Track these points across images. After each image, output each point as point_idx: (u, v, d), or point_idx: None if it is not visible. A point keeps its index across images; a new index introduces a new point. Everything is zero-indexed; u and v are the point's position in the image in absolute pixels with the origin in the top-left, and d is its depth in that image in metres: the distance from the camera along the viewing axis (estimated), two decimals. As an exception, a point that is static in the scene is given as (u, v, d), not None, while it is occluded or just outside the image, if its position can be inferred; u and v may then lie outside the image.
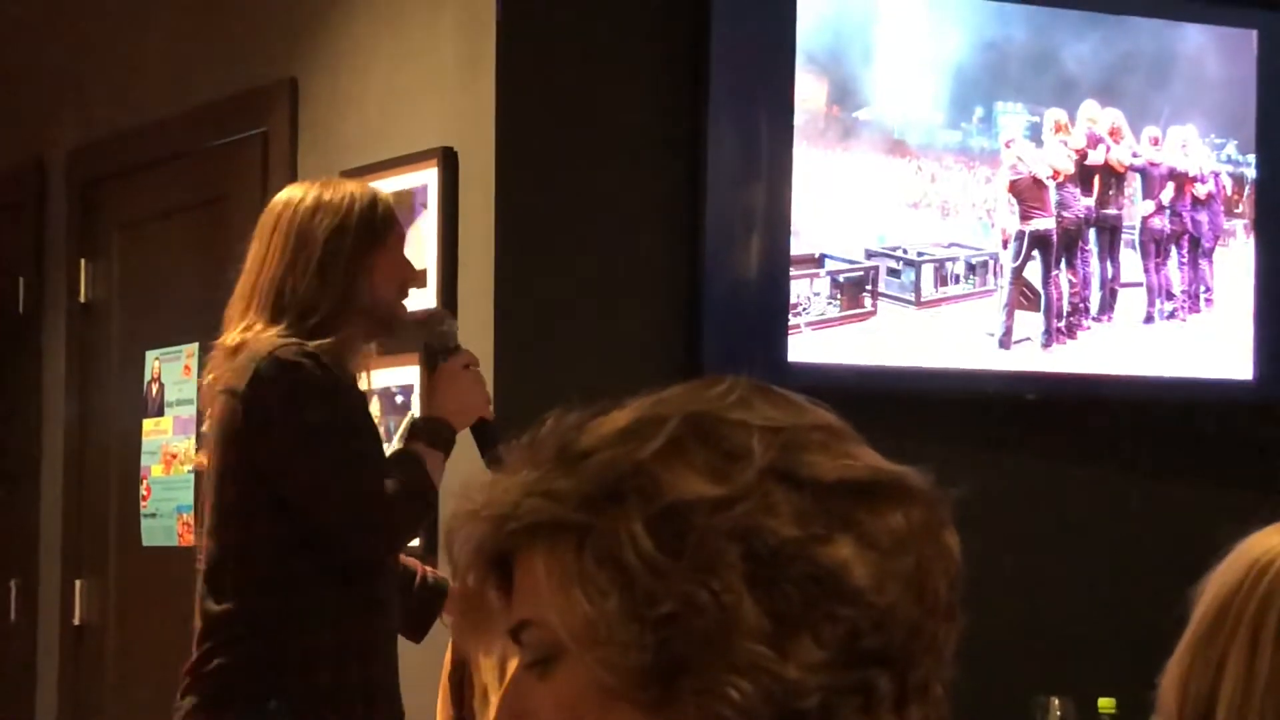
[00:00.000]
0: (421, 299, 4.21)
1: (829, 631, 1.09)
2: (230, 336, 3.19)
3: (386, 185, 4.32)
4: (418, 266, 4.23)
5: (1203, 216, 4.70)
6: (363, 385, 3.35)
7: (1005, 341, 4.49)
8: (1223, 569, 2.05)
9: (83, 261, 5.38)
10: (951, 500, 1.18)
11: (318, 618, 3.12)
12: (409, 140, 4.29)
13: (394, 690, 3.25)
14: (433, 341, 3.44)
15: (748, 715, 1.08)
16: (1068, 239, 4.55)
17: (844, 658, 1.10)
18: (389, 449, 3.44)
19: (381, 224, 3.27)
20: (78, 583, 5.32)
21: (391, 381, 4.26)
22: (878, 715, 1.11)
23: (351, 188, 3.31)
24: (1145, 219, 4.65)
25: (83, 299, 5.36)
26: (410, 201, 4.26)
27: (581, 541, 1.11)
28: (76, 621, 5.32)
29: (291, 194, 3.29)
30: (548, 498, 1.13)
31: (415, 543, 3.67)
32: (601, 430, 1.15)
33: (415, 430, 3.29)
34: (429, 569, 3.47)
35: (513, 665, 1.18)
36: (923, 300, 4.41)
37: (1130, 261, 4.63)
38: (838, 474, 1.13)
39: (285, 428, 3.11)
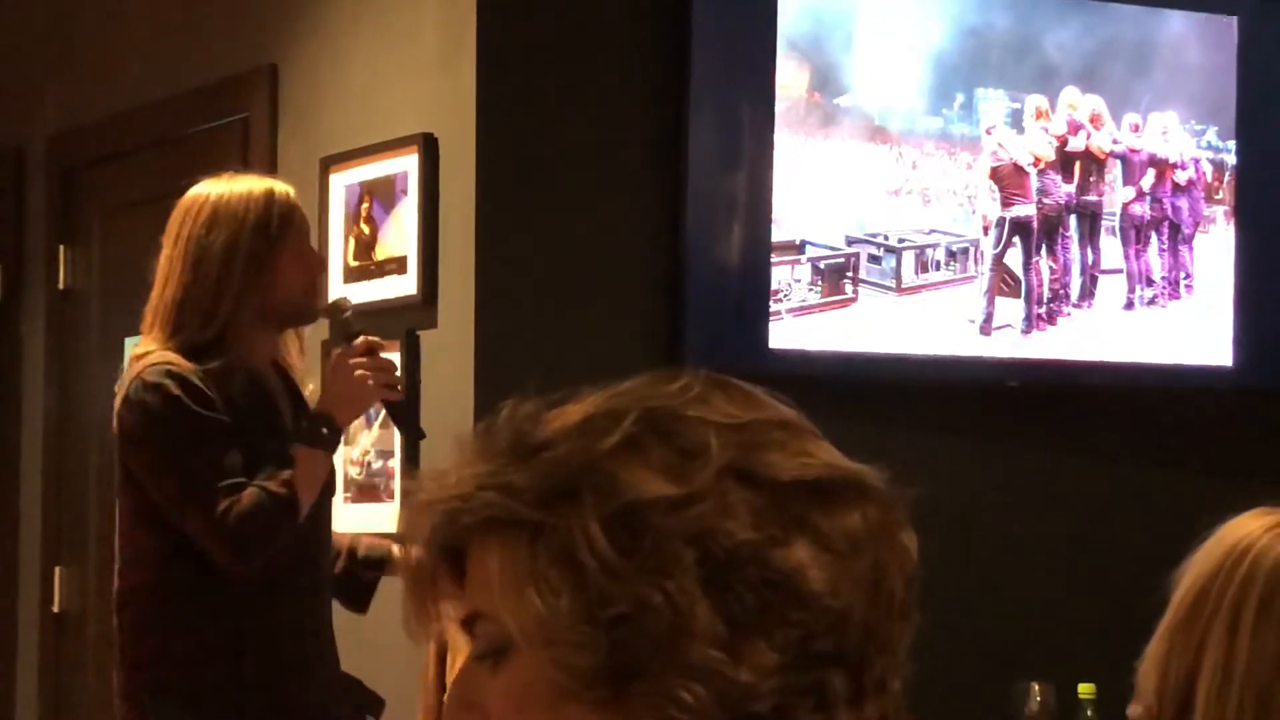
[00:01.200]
0: (402, 285, 4.21)
1: (783, 635, 1.08)
2: (137, 348, 3.33)
3: (367, 171, 4.32)
4: (399, 254, 4.23)
5: (1183, 203, 4.71)
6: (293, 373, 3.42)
7: (986, 328, 4.49)
8: (1201, 554, 2.06)
9: (62, 248, 5.37)
10: (909, 498, 1.16)
11: (199, 619, 3.24)
12: (390, 126, 4.28)
13: (283, 682, 3.28)
14: (334, 331, 3.47)
15: (700, 718, 1.07)
16: (1048, 225, 4.55)
17: (798, 660, 1.09)
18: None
19: (279, 226, 3.32)
20: (57, 570, 5.30)
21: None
22: (833, 714, 1.10)
23: (247, 190, 3.34)
24: (1126, 205, 4.65)
25: (62, 286, 5.35)
26: (391, 187, 4.25)
27: (535, 538, 1.10)
28: (56, 609, 5.31)
29: (192, 202, 3.35)
30: (502, 492, 1.11)
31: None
32: (558, 423, 1.14)
33: (298, 429, 3.31)
34: (365, 538, 3.52)
35: (463, 654, 1.17)
36: (903, 287, 4.42)
37: (1111, 248, 4.63)
38: (795, 473, 1.12)
39: (148, 448, 3.24)
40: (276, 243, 3.29)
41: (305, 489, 3.24)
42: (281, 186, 3.38)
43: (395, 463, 4.21)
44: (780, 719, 1.09)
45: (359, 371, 3.31)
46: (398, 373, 3.43)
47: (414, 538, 1.15)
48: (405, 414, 3.43)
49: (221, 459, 3.20)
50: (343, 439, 3.49)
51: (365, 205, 4.32)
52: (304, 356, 3.48)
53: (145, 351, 3.28)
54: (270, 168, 4.64)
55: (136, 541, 3.29)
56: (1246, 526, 2.06)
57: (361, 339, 3.36)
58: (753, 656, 1.08)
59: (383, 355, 3.40)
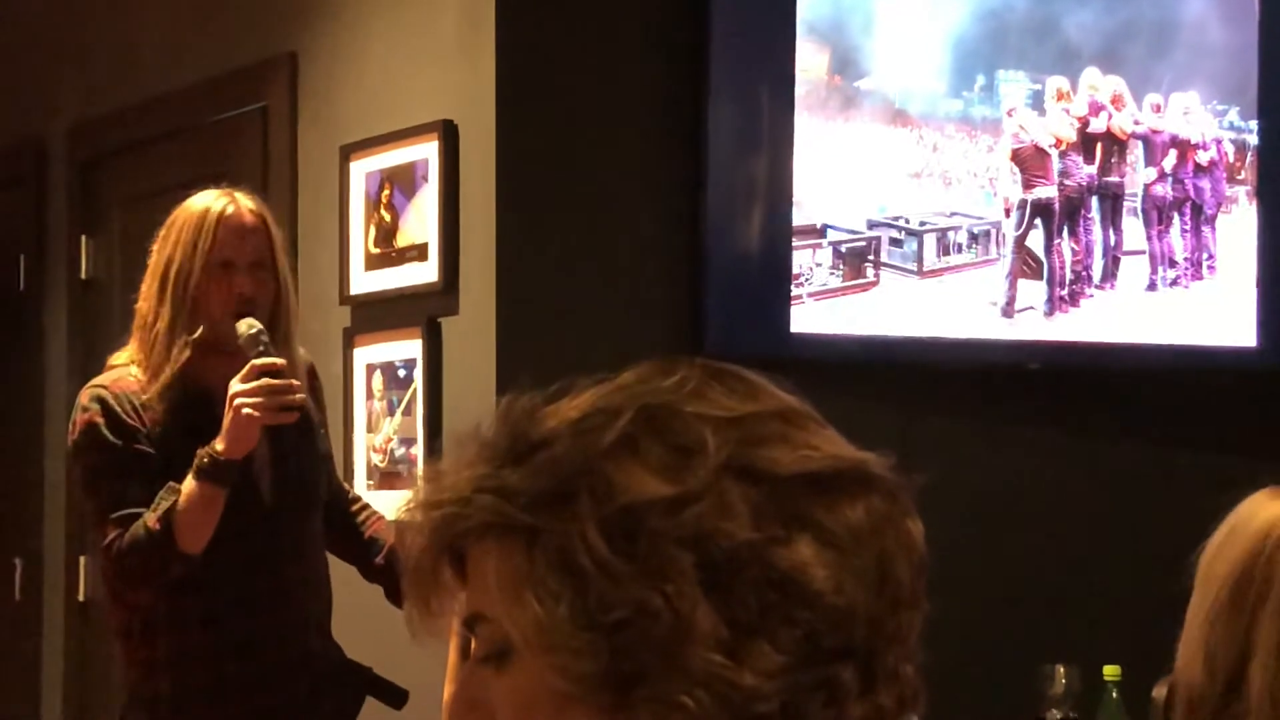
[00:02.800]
0: (423, 273, 4.21)
1: (787, 635, 1.07)
2: (112, 357, 3.44)
3: (387, 159, 4.32)
4: (419, 241, 4.23)
5: (1205, 183, 4.69)
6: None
7: (1008, 311, 4.48)
8: (1226, 538, 2.05)
9: (83, 238, 5.38)
10: (915, 485, 1.15)
11: (151, 633, 3.34)
12: (409, 114, 4.28)
13: (228, 692, 3.34)
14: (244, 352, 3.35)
15: None
16: (1070, 207, 4.54)
17: (804, 658, 1.07)
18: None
19: (201, 247, 3.35)
20: (82, 560, 5.32)
21: (395, 355, 4.26)
22: (844, 706, 1.09)
23: (193, 206, 3.39)
24: (1148, 186, 4.63)
25: (84, 275, 5.36)
26: (411, 175, 4.25)
27: (532, 543, 1.09)
28: (81, 598, 5.33)
29: (169, 216, 3.43)
30: (498, 495, 1.10)
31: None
32: (554, 421, 1.12)
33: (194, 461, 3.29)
34: None
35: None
36: (925, 270, 4.41)
37: (1133, 229, 4.62)
38: (796, 467, 1.10)
39: (75, 470, 3.42)
40: (197, 263, 3.33)
41: (186, 522, 3.22)
42: (220, 205, 3.37)
43: (418, 449, 4.21)
44: (790, 716, 1.07)
45: (238, 401, 3.23)
46: (296, 395, 3.31)
47: (414, 540, 1.14)
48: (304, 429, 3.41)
49: (124, 491, 3.26)
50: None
51: (386, 193, 4.32)
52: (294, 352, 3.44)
53: (114, 364, 3.38)
54: (290, 156, 4.65)
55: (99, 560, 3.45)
56: (1271, 508, 2.06)
57: (251, 363, 3.27)
58: (756, 659, 1.06)
59: (280, 376, 3.29)
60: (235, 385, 3.24)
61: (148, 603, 3.30)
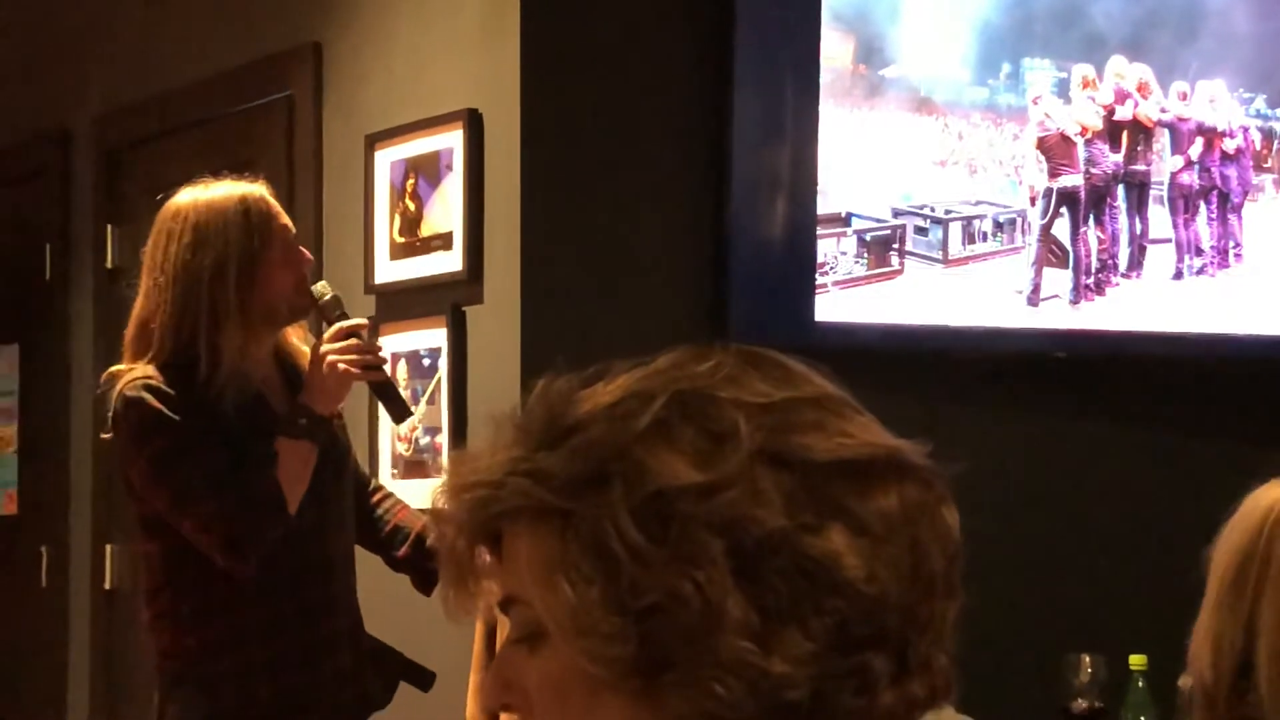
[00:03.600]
0: (447, 262, 4.21)
1: (818, 623, 1.07)
2: (116, 368, 3.40)
3: (412, 148, 4.32)
4: (444, 230, 4.23)
5: (1231, 171, 4.67)
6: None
7: (1034, 299, 4.47)
8: (1232, 527, 2.05)
9: (109, 228, 5.39)
10: (951, 474, 1.14)
11: (204, 615, 3.34)
12: (434, 103, 4.28)
13: (290, 668, 3.35)
14: (320, 317, 3.45)
15: (734, 709, 1.06)
16: (1096, 195, 4.53)
17: (835, 646, 1.07)
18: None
19: (261, 235, 3.33)
20: (108, 548, 5.33)
21: (420, 344, 4.26)
22: (875, 694, 1.09)
23: (224, 203, 3.35)
24: (1174, 174, 4.62)
25: (109, 265, 5.37)
26: (436, 164, 4.25)
27: (565, 527, 1.09)
28: (107, 586, 5.34)
29: (172, 222, 3.35)
30: (532, 478, 1.10)
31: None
32: (589, 404, 1.12)
33: (279, 422, 3.34)
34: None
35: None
36: (950, 258, 4.40)
37: (1159, 217, 4.60)
38: (829, 454, 1.10)
39: (138, 462, 3.31)
40: (261, 252, 3.32)
41: (289, 482, 3.29)
42: (255, 191, 3.38)
43: (443, 438, 4.21)
44: (820, 704, 1.07)
45: (331, 358, 3.33)
46: (382, 353, 3.46)
47: (448, 522, 1.14)
48: (389, 394, 3.45)
49: (205, 464, 3.26)
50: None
51: (410, 182, 4.32)
52: (303, 336, 3.49)
53: (127, 369, 3.35)
54: (315, 146, 4.65)
55: (145, 548, 3.40)
56: (1272, 493, 2.06)
57: (336, 325, 3.38)
58: (786, 646, 1.06)
59: (360, 338, 3.39)
60: (324, 345, 3.35)
61: (253, 568, 3.27)
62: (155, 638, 3.40)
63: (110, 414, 3.34)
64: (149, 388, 3.27)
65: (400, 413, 3.49)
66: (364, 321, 3.45)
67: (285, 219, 3.41)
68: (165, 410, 3.25)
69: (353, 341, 3.36)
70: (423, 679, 3.57)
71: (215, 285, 3.30)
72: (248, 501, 3.26)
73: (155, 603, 3.39)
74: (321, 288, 3.42)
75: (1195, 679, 2.02)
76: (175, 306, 3.31)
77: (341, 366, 3.34)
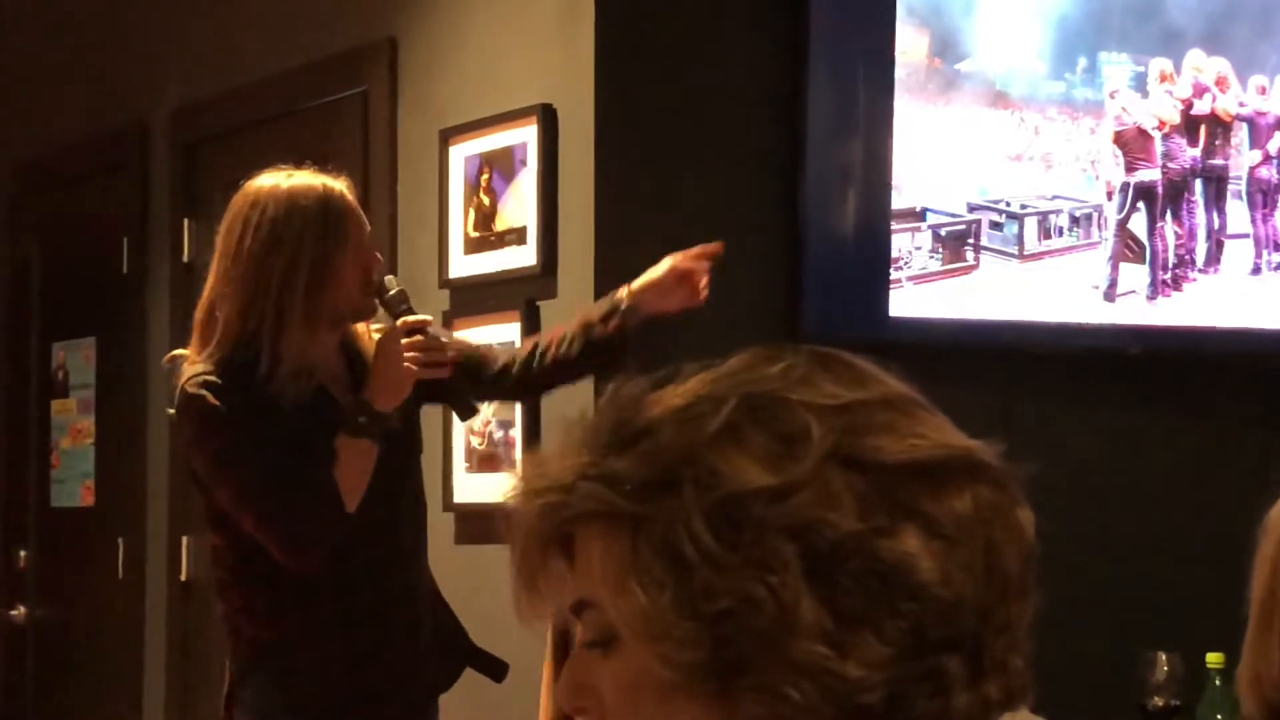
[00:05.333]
0: (522, 256, 4.22)
1: (892, 626, 1.06)
2: (182, 351, 3.38)
3: (486, 143, 4.33)
4: (518, 224, 4.24)
5: (1311, 166, 4.63)
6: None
7: (1110, 294, 4.44)
8: (1265, 542, 2.01)
9: (186, 222, 5.42)
10: (1025, 473, 1.13)
11: (279, 609, 3.32)
12: (508, 97, 4.28)
13: (365, 661, 3.34)
14: (385, 312, 3.41)
15: (808, 713, 1.05)
16: (1173, 190, 4.50)
17: (909, 650, 1.06)
18: None
19: (336, 234, 3.30)
20: (184, 539, 5.37)
21: (494, 338, 4.26)
22: (951, 697, 1.08)
23: (305, 196, 3.31)
24: (1252, 169, 4.58)
25: (186, 259, 5.40)
26: (510, 159, 4.26)
27: (637, 531, 1.09)
28: (184, 578, 5.38)
29: (249, 211, 3.31)
30: (603, 483, 1.10)
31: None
32: (659, 408, 1.12)
33: (341, 418, 3.31)
34: (583, 324, 3.53)
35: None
36: (1026, 253, 4.38)
37: (1237, 212, 4.57)
38: (902, 456, 1.09)
39: (201, 457, 3.31)
40: (334, 254, 3.30)
41: (348, 480, 3.27)
42: (336, 187, 3.35)
43: (516, 433, 4.22)
44: (894, 707, 1.07)
45: (395, 354, 3.31)
46: (447, 351, 3.40)
47: (519, 527, 1.14)
48: (454, 391, 3.41)
49: (264, 463, 3.24)
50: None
51: (485, 177, 4.33)
52: (370, 330, 3.46)
53: (191, 358, 3.33)
54: (390, 140, 4.67)
55: (214, 540, 3.39)
56: None
57: (402, 320, 3.34)
58: (860, 650, 1.06)
59: (425, 335, 3.36)
60: (389, 342, 3.33)
61: (311, 570, 3.25)
62: (230, 629, 3.40)
63: (174, 402, 3.34)
64: (208, 385, 3.25)
65: (465, 411, 3.48)
66: (429, 318, 3.43)
67: (362, 217, 3.39)
68: (224, 408, 3.24)
69: (418, 338, 3.33)
70: (496, 669, 3.55)
71: (284, 287, 3.27)
72: (305, 500, 3.24)
73: (228, 595, 3.39)
74: (388, 282, 3.40)
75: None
76: (241, 302, 3.28)
77: (405, 364, 3.32)
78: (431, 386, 3.39)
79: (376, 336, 3.42)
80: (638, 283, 3.53)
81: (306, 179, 3.35)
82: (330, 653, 3.32)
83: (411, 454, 3.49)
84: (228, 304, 3.30)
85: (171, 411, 3.38)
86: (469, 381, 3.47)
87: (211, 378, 3.26)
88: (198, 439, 3.31)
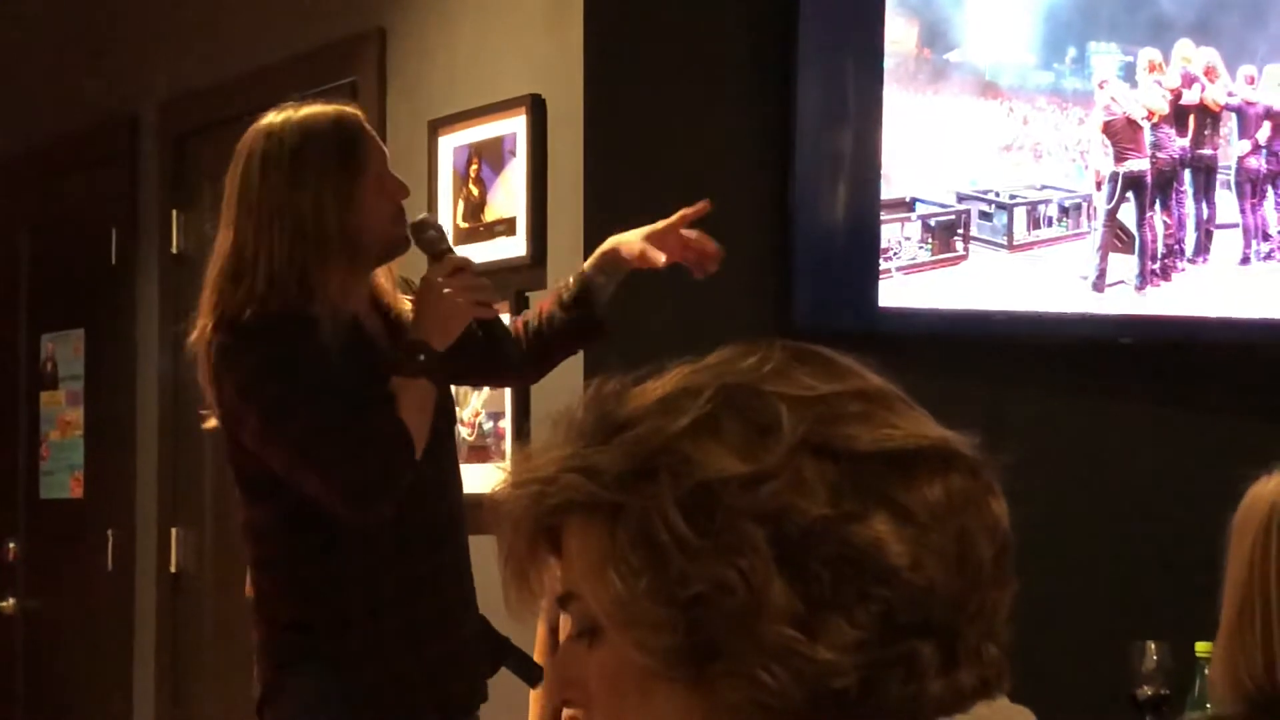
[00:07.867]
0: (511, 247, 4.22)
1: (863, 611, 1.08)
2: (203, 316, 3.14)
3: (476, 133, 4.33)
4: (508, 215, 4.24)
5: (1300, 156, 4.64)
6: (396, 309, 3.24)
7: (1099, 284, 4.45)
8: (1238, 527, 2.02)
9: (174, 212, 5.42)
10: (998, 464, 1.14)
11: (330, 586, 3.10)
12: (497, 88, 4.28)
13: (423, 640, 3.13)
14: (422, 251, 3.22)
15: (781, 697, 1.07)
16: (1162, 180, 4.50)
17: (881, 634, 1.08)
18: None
19: (353, 157, 3.12)
20: (174, 531, 5.37)
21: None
22: (924, 683, 1.09)
23: (316, 122, 3.12)
24: (1241, 159, 4.59)
25: (174, 250, 5.40)
26: (499, 149, 4.26)
27: (614, 520, 1.10)
28: (173, 569, 5.38)
29: (267, 143, 3.14)
30: (583, 474, 1.12)
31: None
32: (639, 401, 1.14)
33: (392, 360, 3.12)
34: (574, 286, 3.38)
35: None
36: (1015, 243, 4.38)
37: (1226, 202, 4.57)
38: (874, 445, 1.11)
39: (248, 417, 3.05)
40: (356, 179, 3.11)
41: (413, 421, 3.06)
42: (349, 111, 3.17)
43: (505, 423, 4.22)
44: (868, 692, 1.08)
45: (447, 290, 3.11)
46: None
47: (506, 519, 1.15)
48: (498, 333, 3.23)
49: (321, 408, 3.03)
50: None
51: (474, 167, 4.33)
52: (393, 280, 3.26)
53: (213, 317, 3.09)
54: (379, 130, 4.65)
55: (256, 515, 3.15)
56: (1261, 497, 2.01)
57: (448, 258, 3.17)
58: (831, 634, 1.07)
59: (469, 271, 3.18)
60: (437, 278, 3.13)
61: (381, 518, 3.01)
62: (263, 618, 3.14)
63: (210, 370, 3.08)
64: (247, 333, 3.03)
65: (511, 353, 3.27)
66: (469, 258, 3.25)
67: (380, 144, 3.21)
68: (273, 356, 3.03)
69: (466, 277, 3.15)
70: (530, 672, 3.30)
71: (318, 222, 3.06)
72: (373, 443, 3.01)
73: (270, 573, 3.14)
74: (428, 218, 3.25)
75: (1216, 714, 1.98)
76: (280, 246, 3.05)
77: (459, 301, 3.12)
78: (468, 346, 3.17)
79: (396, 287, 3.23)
80: (606, 244, 3.34)
81: (318, 107, 3.17)
82: (386, 629, 3.09)
83: (449, 416, 3.30)
84: (264, 252, 3.06)
85: (202, 381, 3.12)
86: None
87: (250, 326, 3.03)
88: (243, 394, 3.03)
